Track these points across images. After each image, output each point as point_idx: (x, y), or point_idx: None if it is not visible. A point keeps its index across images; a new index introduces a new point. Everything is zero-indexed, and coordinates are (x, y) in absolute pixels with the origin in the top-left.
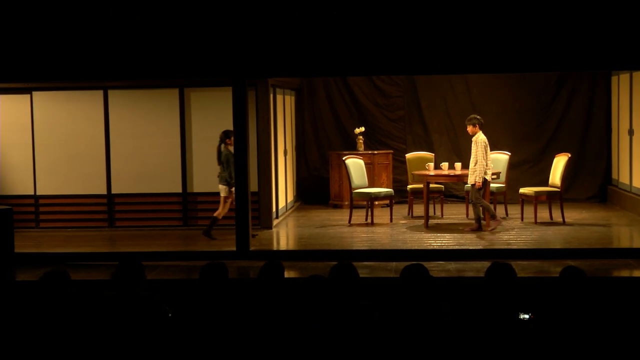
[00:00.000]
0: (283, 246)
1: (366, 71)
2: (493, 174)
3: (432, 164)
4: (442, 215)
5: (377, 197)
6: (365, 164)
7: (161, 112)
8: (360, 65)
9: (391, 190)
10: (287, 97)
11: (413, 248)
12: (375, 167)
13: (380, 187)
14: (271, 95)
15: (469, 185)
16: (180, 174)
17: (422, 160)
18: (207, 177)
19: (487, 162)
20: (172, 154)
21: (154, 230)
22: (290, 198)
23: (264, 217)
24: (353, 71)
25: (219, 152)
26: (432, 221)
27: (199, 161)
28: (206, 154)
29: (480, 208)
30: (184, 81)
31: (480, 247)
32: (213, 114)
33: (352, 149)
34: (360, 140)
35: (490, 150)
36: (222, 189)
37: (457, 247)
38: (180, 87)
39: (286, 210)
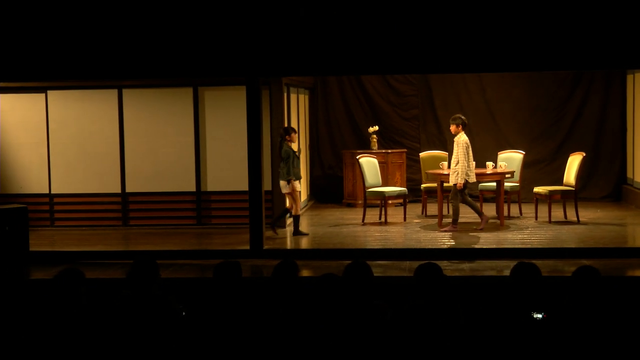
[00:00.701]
0: (297, 244)
1: (380, 70)
2: (507, 173)
3: (445, 163)
4: None
5: (390, 196)
6: (379, 162)
7: (175, 111)
8: (374, 64)
9: (405, 189)
10: (301, 96)
11: (427, 247)
12: (389, 166)
13: (394, 186)
14: (285, 94)
15: (451, 183)
16: (194, 172)
17: (436, 159)
18: (221, 176)
19: (468, 163)
20: (186, 152)
21: (167, 228)
22: (303, 197)
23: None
24: (367, 70)
25: (280, 148)
26: (446, 220)
27: (212, 160)
28: (220, 153)
29: (453, 207)
30: (198, 80)
31: (494, 246)
32: (227, 112)
33: (365, 148)
34: (374, 139)
35: (506, 149)
36: (283, 186)
37: (471, 247)
38: (194, 86)
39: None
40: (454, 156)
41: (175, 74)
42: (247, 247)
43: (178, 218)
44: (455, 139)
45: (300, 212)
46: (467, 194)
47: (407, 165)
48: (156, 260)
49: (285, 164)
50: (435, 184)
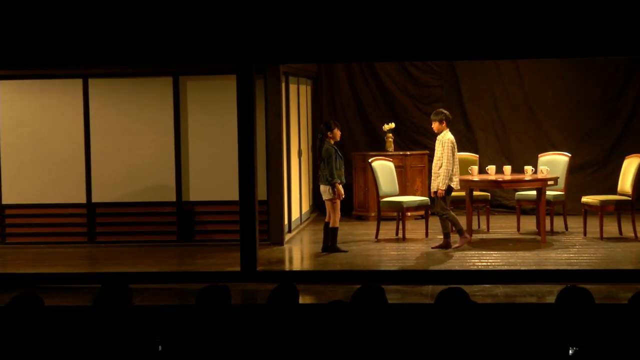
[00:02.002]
0: (297, 266)
1: (397, 56)
2: (550, 179)
3: (475, 168)
4: (488, 229)
5: (409, 207)
6: (396, 167)
7: (152, 105)
8: (390, 49)
9: (427, 199)
10: (302, 87)
11: (453, 268)
12: (408, 170)
13: (414, 195)
14: (283, 85)
15: (433, 190)
16: (174, 179)
17: (464, 163)
18: (207, 183)
19: (453, 166)
20: (164, 155)
21: (142, 246)
22: (305, 208)
23: (274, 231)
24: (381, 56)
25: (320, 147)
26: (476, 236)
27: (196, 164)
28: (205, 155)
29: (448, 221)
30: (179, 68)
31: (534, 267)
32: (214, 107)
33: (380, 149)
34: (390, 139)
35: (547, 151)
36: (324, 191)
37: (506, 267)
38: (175, 74)
39: (300, 223)
40: (436, 158)
41: (152, 60)
42: (238, 268)
43: (155, 233)
44: (439, 137)
45: (337, 227)
46: (450, 202)
47: (429, 170)
48: (128, 284)
49: (327, 165)
50: (463, 193)
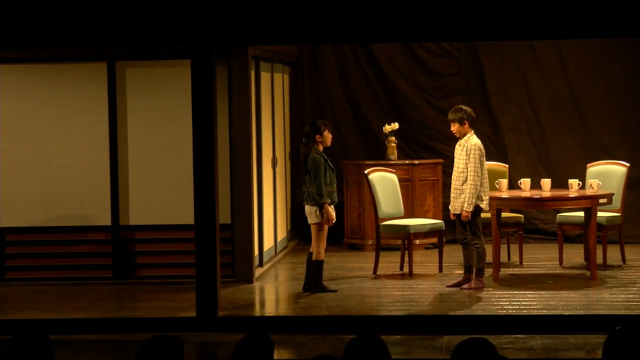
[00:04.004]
0: (270, 310)
1: (402, 35)
2: (602, 196)
3: (505, 181)
4: (521, 261)
5: (418, 233)
6: (400, 180)
7: (79, 100)
8: (393, 26)
9: (441, 222)
10: (278, 76)
11: (475, 313)
12: (417, 185)
13: (424, 217)
14: (253, 73)
15: (455, 212)
16: (110, 197)
17: (489, 176)
18: (152, 202)
19: (483, 180)
20: (96, 165)
21: (67, 284)
22: (281, 234)
23: (241, 264)
24: (381, 35)
25: (305, 156)
26: (505, 271)
27: (138, 177)
28: (150, 164)
29: (474, 252)
30: (116, 51)
31: (582, 311)
32: (161, 102)
33: (379, 157)
34: (393, 144)
35: (599, 159)
36: (310, 213)
37: (544, 312)
38: (110, 59)
39: (275, 254)
40: (457, 169)
41: (80, 41)
42: (193, 313)
43: (84, 268)
44: (461, 143)
45: (323, 259)
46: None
47: (444, 184)
48: (48, 335)
49: (314, 179)
50: (489, 215)
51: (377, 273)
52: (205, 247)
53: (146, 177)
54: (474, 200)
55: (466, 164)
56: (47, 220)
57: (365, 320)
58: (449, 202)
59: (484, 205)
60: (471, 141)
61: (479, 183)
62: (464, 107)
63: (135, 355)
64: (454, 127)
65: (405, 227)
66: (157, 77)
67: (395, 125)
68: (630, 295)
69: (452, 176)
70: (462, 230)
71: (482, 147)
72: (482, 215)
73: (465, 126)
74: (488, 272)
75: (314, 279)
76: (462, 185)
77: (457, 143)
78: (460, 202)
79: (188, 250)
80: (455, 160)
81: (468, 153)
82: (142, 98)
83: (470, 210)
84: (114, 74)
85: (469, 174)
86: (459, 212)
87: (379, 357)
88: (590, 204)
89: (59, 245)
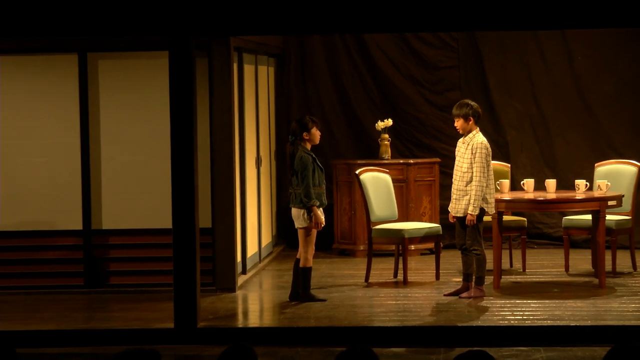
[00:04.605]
0: (254, 321)
1: (395, 25)
2: (611, 198)
3: (506, 182)
4: (524, 268)
5: (414, 237)
6: (394, 181)
7: (48, 94)
8: (386, 15)
9: (438, 225)
10: (263, 69)
11: (474, 324)
12: (412, 186)
13: (420, 220)
14: (235, 66)
15: (457, 214)
16: (81, 199)
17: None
18: (126, 204)
19: (488, 181)
20: (66, 164)
21: (35, 293)
22: (266, 239)
23: (222, 271)
24: (374, 25)
25: (291, 155)
26: (507, 279)
27: (112, 177)
28: (125, 164)
29: (474, 258)
30: (87, 41)
31: (589, 322)
32: (137, 96)
33: (371, 156)
34: (386, 142)
35: (608, 158)
36: (298, 217)
37: (549, 323)
38: (81, 51)
39: (260, 260)
40: (460, 169)
41: (48, 30)
42: (171, 324)
43: (53, 275)
44: (465, 140)
45: (311, 265)
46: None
47: (441, 185)
48: (15, 347)
49: (302, 180)
50: (489, 218)
51: (369, 281)
52: (184, 253)
53: (120, 177)
54: (479, 203)
55: (471, 163)
56: (11, 225)
57: (356, 331)
58: (448, 204)
59: (490, 208)
60: (477, 139)
61: (485, 184)
62: (470, 102)
63: None
64: (458, 123)
65: (399, 232)
66: (132, 70)
67: (389, 122)
68: None
69: (454, 176)
70: (462, 235)
71: (488, 146)
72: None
73: (470, 123)
74: (488, 279)
75: (301, 287)
76: (465, 186)
77: (460, 140)
78: (464, 204)
79: (165, 257)
80: (458, 158)
81: (474, 152)
82: (116, 92)
83: (476, 213)
84: (85, 66)
85: (474, 174)
86: (460, 215)
87: None
88: (599, 206)
89: (25, 252)
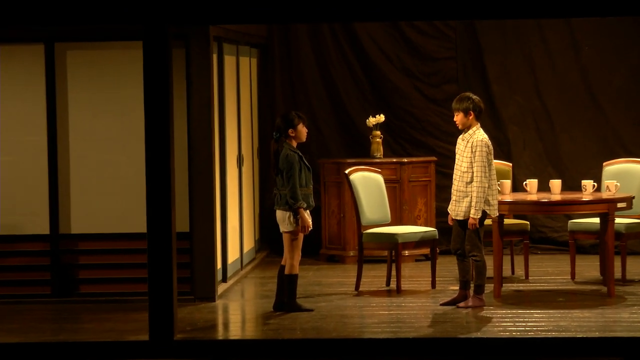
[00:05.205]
0: (236, 332)
1: (388, 13)
2: (621, 199)
3: (508, 182)
4: (526, 275)
5: (408, 242)
6: (387, 181)
7: (12, 87)
8: (378, 2)
9: (434, 229)
10: (244, 60)
11: (473, 336)
12: (406, 187)
13: (415, 224)
14: (215, 57)
15: (457, 217)
16: (48, 201)
17: None
18: (97, 207)
19: (490, 181)
20: (32, 164)
21: None
22: (249, 245)
23: (202, 279)
24: (365, 13)
25: (276, 153)
26: (508, 287)
27: (82, 178)
28: (95, 163)
29: (473, 264)
30: (55, 31)
31: (597, 334)
32: (108, 90)
33: (362, 154)
34: (378, 140)
35: (617, 157)
36: (283, 220)
37: (554, 334)
38: (48, 40)
39: (241, 267)
40: (460, 168)
41: (12, 19)
42: (146, 336)
43: (18, 284)
44: (464, 137)
45: (297, 270)
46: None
47: (437, 186)
48: None
49: (288, 180)
50: (489, 221)
51: (360, 289)
52: (160, 260)
53: (90, 177)
54: (482, 205)
55: (471, 162)
56: None
57: (346, 344)
58: (446, 206)
59: (493, 211)
60: (477, 136)
61: (486, 185)
62: (471, 95)
63: None
64: (457, 118)
65: (392, 236)
66: (103, 62)
67: (381, 118)
68: None
69: (454, 175)
70: (459, 239)
71: (489, 143)
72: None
73: (471, 118)
74: (489, 288)
75: (286, 296)
76: (465, 187)
77: (460, 137)
78: (464, 206)
79: (139, 263)
80: (458, 157)
81: (473, 150)
82: (86, 86)
83: (478, 216)
84: (52, 57)
85: (475, 174)
86: (460, 218)
87: None
88: (607, 208)
89: None
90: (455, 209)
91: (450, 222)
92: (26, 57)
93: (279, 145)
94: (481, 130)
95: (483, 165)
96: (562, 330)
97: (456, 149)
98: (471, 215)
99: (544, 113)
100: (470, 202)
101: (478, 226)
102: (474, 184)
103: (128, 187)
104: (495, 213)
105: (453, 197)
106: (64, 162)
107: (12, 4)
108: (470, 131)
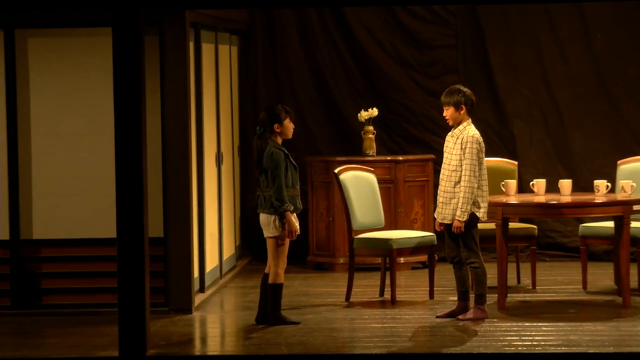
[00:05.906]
0: (214, 348)
1: None
2: (637, 201)
3: (513, 182)
4: (533, 285)
5: (403, 248)
6: (380, 181)
7: None
8: None
9: (432, 234)
10: (224, 48)
11: (474, 351)
12: (401, 187)
13: (411, 228)
14: (192, 45)
15: (444, 221)
16: (8, 203)
17: (494, 175)
18: (63, 210)
19: (481, 181)
20: None
21: None
22: (229, 251)
23: (177, 289)
24: None
25: (259, 150)
26: (514, 297)
27: (45, 178)
28: (60, 162)
29: (472, 272)
30: (16, 17)
31: (612, 349)
32: (74, 82)
33: (353, 152)
34: (371, 136)
35: (633, 155)
36: (267, 224)
37: (564, 350)
38: (8, 28)
39: (221, 276)
40: (449, 168)
41: None
42: (115, 352)
43: None
44: (454, 133)
45: (282, 279)
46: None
47: (435, 186)
48: None
49: (273, 180)
50: (492, 225)
51: (351, 300)
52: (131, 268)
53: (55, 178)
54: (469, 207)
55: (460, 160)
56: None
57: (335, 359)
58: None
59: (481, 214)
60: (467, 132)
61: (475, 185)
62: (462, 88)
63: None
64: (447, 112)
65: (386, 242)
66: (68, 50)
67: (374, 112)
68: None
69: (441, 175)
70: (453, 246)
71: (481, 140)
72: (481, 225)
73: (462, 112)
74: (492, 298)
75: (270, 307)
76: (454, 187)
77: (449, 133)
78: (451, 208)
79: (109, 272)
80: (446, 155)
81: (463, 147)
82: (50, 76)
83: (464, 219)
84: (12, 45)
85: (463, 172)
86: (448, 222)
87: None
88: (622, 211)
89: None
90: (443, 212)
91: (437, 228)
92: None
93: (263, 142)
94: (472, 126)
95: (473, 163)
96: (572, 345)
97: (444, 147)
98: (456, 217)
99: (552, 106)
100: (457, 203)
101: (463, 230)
102: (462, 183)
103: (96, 188)
104: (484, 216)
105: (439, 199)
106: (25, 160)
107: None
108: (461, 127)
